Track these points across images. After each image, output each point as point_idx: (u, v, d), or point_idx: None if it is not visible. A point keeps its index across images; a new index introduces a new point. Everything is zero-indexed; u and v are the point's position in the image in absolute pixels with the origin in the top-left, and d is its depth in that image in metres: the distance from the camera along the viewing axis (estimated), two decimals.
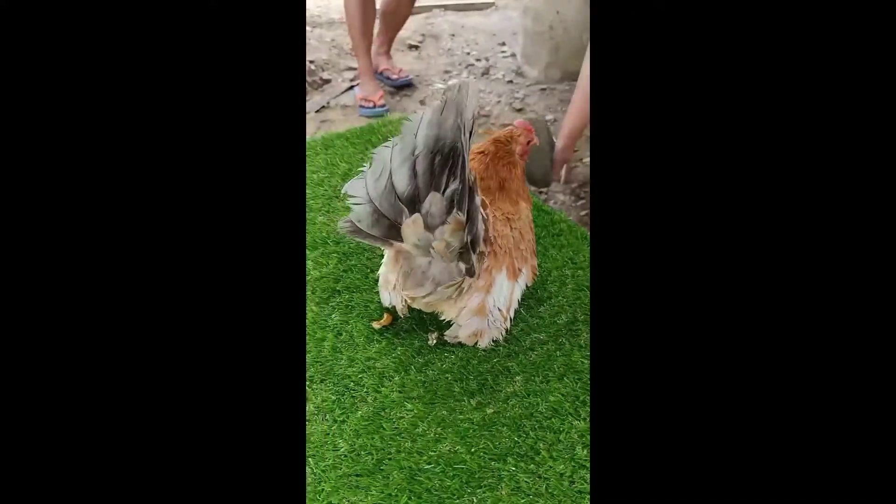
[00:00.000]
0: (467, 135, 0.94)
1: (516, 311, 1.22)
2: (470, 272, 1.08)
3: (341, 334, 1.24)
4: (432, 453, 1.03)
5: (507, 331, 1.21)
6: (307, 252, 1.44)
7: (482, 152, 1.21)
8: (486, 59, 3.15)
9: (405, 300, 1.19)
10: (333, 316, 1.28)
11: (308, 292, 1.33)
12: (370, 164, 1.02)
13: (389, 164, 0.99)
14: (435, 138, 0.96)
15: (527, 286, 1.24)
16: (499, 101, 2.82)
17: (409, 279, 1.11)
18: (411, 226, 1.00)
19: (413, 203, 1.00)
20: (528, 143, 1.25)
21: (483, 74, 3.01)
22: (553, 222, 1.51)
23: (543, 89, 2.89)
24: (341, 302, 1.31)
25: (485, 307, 1.14)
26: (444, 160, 0.97)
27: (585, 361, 1.17)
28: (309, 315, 1.28)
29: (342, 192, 1.08)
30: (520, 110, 2.76)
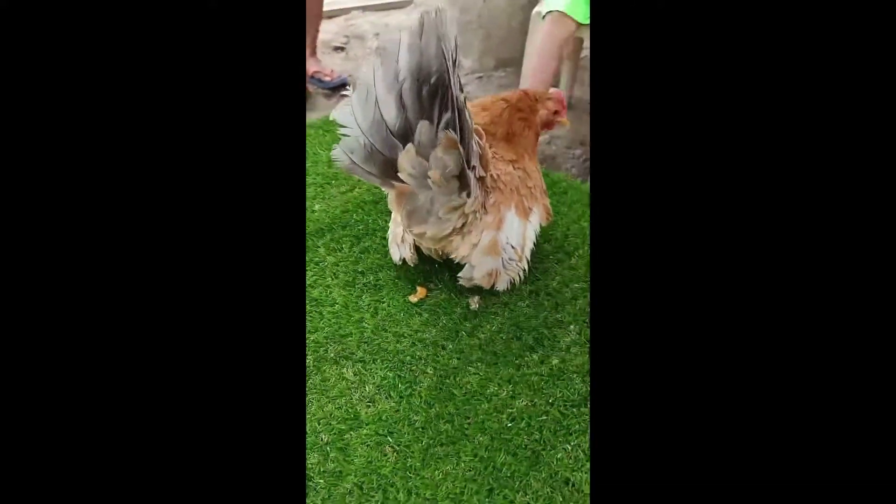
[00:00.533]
0: (450, 63, 0.91)
1: (532, 252, 1.21)
2: (468, 193, 1.03)
3: (378, 313, 1.18)
4: (511, 410, 1.00)
5: (524, 272, 1.20)
6: (315, 240, 1.35)
7: (505, 99, 1.20)
8: None
9: (412, 247, 1.17)
10: (364, 297, 1.21)
11: (329, 278, 1.26)
12: (353, 87, 0.97)
13: (374, 90, 0.95)
14: (418, 65, 0.92)
15: (541, 226, 1.23)
16: None
17: (413, 217, 1.07)
18: (405, 155, 0.97)
19: (405, 137, 0.97)
20: (556, 114, 1.25)
21: None
22: (554, 182, 1.54)
23: (480, 77, 2.93)
24: (368, 283, 1.25)
25: (497, 244, 1.12)
26: (431, 91, 0.93)
27: None
28: (339, 300, 1.20)
29: (330, 117, 1.02)
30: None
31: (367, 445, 0.95)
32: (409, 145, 0.97)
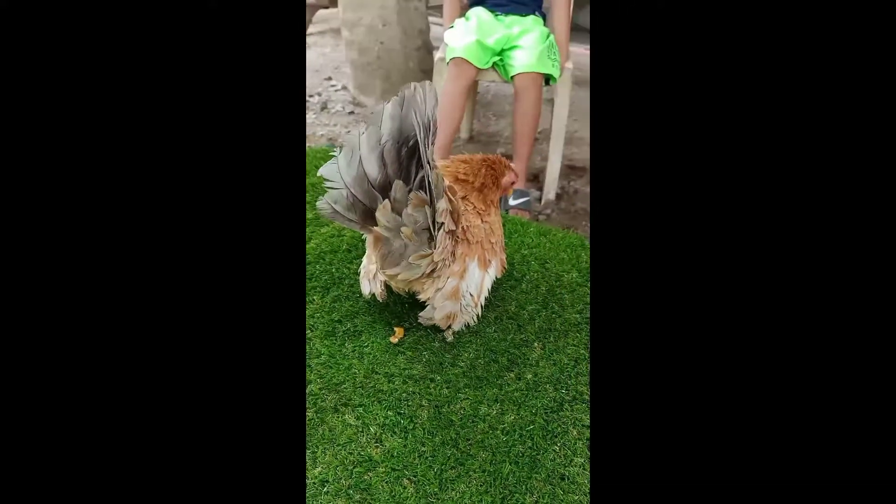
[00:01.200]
0: (422, 132, 1.04)
1: (486, 299, 1.39)
2: (432, 245, 1.16)
3: (364, 358, 1.28)
4: (503, 425, 1.15)
5: (478, 317, 1.37)
6: None
7: (485, 158, 1.37)
8: (319, 95, 3.23)
9: (383, 285, 1.31)
10: (346, 345, 1.30)
11: (308, 330, 1.33)
12: (340, 149, 1.11)
13: (359, 151, 1.09)
14: (398, 130, 1.08)
15: (496, 278, 1.41)
16: (348, 131, 2.93)
17: (386, 260, 1.21)
18: (381, 210, 1.11)
19: (385, 190, 1.11)
20: (511, 184, 1.44)
21: (322, 109, 3.09)
22: None
23: None
24: (347, 331, 1.34)
25: (458, 291, 1.28)
26: (410, 151, 1.09)
27: (577, 316, 1.39)
28: (324, 350, 1.28)
29: (317, 174, 1.14)
30: None
31: (387, 482, 1.05)
32: (386, 201, 1.09)
